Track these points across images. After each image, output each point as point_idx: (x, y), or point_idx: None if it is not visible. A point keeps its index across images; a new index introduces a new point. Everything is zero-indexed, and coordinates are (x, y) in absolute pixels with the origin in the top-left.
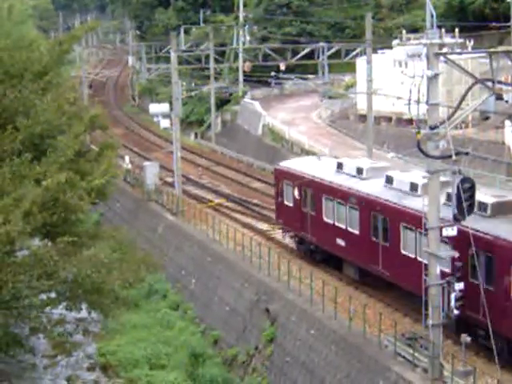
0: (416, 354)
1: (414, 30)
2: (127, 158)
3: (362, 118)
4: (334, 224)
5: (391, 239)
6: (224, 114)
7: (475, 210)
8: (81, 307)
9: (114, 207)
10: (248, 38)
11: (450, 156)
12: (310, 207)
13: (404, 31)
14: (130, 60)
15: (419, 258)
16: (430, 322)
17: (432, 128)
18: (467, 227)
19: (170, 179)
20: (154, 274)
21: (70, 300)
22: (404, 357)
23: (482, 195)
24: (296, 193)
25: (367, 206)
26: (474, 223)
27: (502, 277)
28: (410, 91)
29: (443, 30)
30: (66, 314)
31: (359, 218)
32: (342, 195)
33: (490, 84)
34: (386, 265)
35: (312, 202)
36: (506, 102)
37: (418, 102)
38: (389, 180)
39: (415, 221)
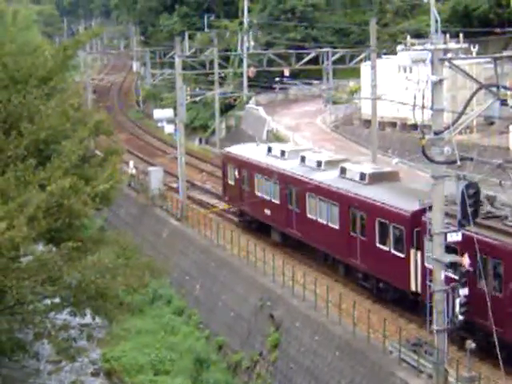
0: (421, 360)
1: (419, 35)
2: (131, 164)
3: (367, 123)
4: (263, 197)
5: (300, 207)
6: (228, 120)
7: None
8: (85, 313)
9: (119, 212)
10: (252, 43)
11: (455, 161)
12: (246, 185)
13: (408, 36)
14: (135, 65)
15: (320, 220)
16: (435, 327)
17: (436, 133)
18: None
19: (174, 184)
20: (158, 280)
21: (74, 305)
22: (409, 363)
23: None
24: (236, 173)
25: (284, 180)
26: (355, 189)
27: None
28: (415, 96)
29: (448, 35)
30: (71, 320)
31: (279, 191)
32: (268, 173)
33: (494, 89)
34: (299, 228)
35: (248, 180)
36: (511, 107)
37: (423, 107)
38: (303, 159)
39: (317, 191)
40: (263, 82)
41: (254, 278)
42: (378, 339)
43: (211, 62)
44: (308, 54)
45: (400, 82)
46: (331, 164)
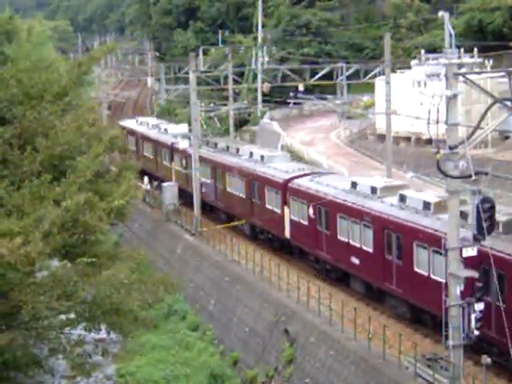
0: (436, 376)
1: (433, 49)
2: (146, 179)
3: (381, 138)
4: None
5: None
6: (243, 135)
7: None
8: (100, 328)
9: (133, 228)
10: (267, 58)
11: (470, 176)
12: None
13: (423, 51)
14: (149, 81)
15: (253, 199)
16: (451, 342)
17: (451, 148)
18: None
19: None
20: (172, 295)
21: (89, 321)
22: (424, 378)
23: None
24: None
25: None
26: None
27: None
28: (429, 111)
29: (462, 49)
30: (85, 335)
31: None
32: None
33: (509, 103)
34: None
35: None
36: None
37: (437, 121)
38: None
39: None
40: (277, 97)
41: (268, 293)
42: (394, 354)
43: (225, 78)
44: (322, 69)
45: (414, 96)
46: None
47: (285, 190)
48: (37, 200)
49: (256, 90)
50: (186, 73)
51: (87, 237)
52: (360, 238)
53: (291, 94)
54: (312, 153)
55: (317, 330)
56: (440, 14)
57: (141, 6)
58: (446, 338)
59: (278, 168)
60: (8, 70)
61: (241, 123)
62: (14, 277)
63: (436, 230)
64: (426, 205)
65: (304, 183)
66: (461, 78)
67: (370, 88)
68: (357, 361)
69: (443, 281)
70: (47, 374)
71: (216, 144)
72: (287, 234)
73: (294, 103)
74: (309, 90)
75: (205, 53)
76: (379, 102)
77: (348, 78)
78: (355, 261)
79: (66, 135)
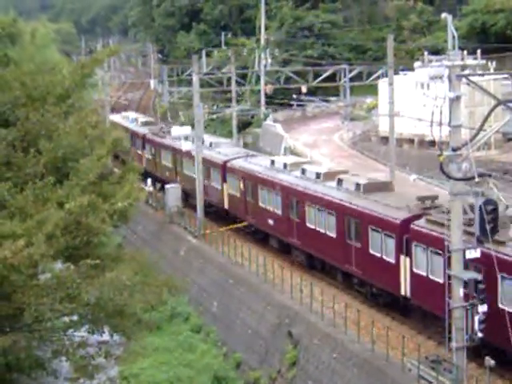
0: (440, 378)
1: (436, 51)
2: (149, 181)
3: (384, 139)
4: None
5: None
6: (246, 137)
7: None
8: (103, 330)
9: (137, 230)
10: (270, 60)
11: (473, 178)
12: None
13: (426, 53)
14: (152, 83)
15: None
16: (454, 344)
17: (454, 150)
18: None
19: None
20: (176, 297)
21: (92, 323)
22: (427, 380)
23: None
24: None
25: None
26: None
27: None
28: (433, 113)
29: (465, 51)
30: (89, 337)
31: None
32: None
33: None
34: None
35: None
36: None
37: (441, 123)
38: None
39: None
40: (280, 99)
41: (271, 295)
42: (397, 356)
43: (228, 80)
44: (325, 70)
45: (417, 98)
46: None
47: (224, 169)
48: (40, 202)
49: (259, 91)
50: (189, 75)
51: (90, 239)
52: (274, 204)
53: (294, 96)
54: (315, 155)
55: (320, 332)
56: (443, 15)
57: (144, 9)
58: (449, 340)
59: (222, 152)
60: (11, 72)
61: (244, 125)
62: (17, 279)
63: (322, 194)
64: (318, 175)
65: (238, 163)
66: (464, 80)
67: (373, 90)
68: (360, 363)
69: (322, 230)
70: (50, 376)
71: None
72: (226, 205)
73: (297, 105)
74: (312, 92)
75: (208, 55)
76: (382, 103)
77: (351, 79)
78: (271, 222)
79: (69, 137)
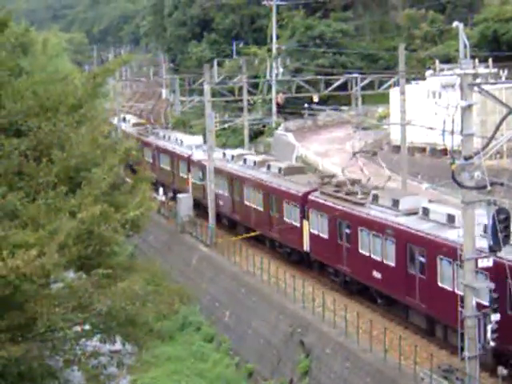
0: None
1: (448, 60)
2: (161, 191)
3: (396, 148)
4: None
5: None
6: (257, 146)
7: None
8: (115, 339)
9: (148, 239)
10: (281, 69)
11: (485, 186)
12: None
13: (437, 62)
14: (164, 92)
15: (174, 171)
16: (466, 354)
17: (466, 158)
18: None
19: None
20: (188, 306)
21: (104, 332)
22: None
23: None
24: None
25: None
26: None
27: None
28: (444, 122)
29: (477, 60)
30: (101, 346)
31: None
32: None
33: None
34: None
35: None
36: None
37: (452, 132)
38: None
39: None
40: (292, 108)
41: (283, 304)
42: (409, 366)
43: (240, 89)
44: (337, 79)
45: (429, 107)
46: None
47: (189, 161)
48: (52, 212)
49: (270, 101)
50: (201, 84)
51: (102, 248)
52: (222, 187)
53: (306, 105)
54: (327, 163)
55: (332, 342)
56: (454, 24)
57: (155, 18)
58: (462, 349)
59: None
60: (23, 82)
61: (255, 134)
62: (30, 288)
63: (255, 177)
64: (255, 163)
65: (198, 155)
66: (476, 89)
67: (384, 99)
68: (372, 372)
69: (254, 206)
70: None
71: (159, 133)
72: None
73: (309, 114)
74: (323, 101)
75: (219, 64)
76: (394, 112)
77: (363, 88)
78: (221, 203)
79: (81, 147)
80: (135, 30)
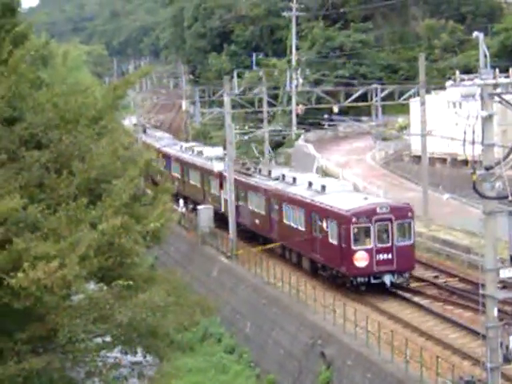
0: None
1: (468, 70)
2: (181, 202)
3: (417, 159)
4: None
5: None
6: (278, 157)
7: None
8: (136, 351)
9: (169, 251)
10: (301, 80)
11: (507, 197)
12: None
13: (457, 72)
14: (184, 104)
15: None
16: (488, 364)
17: (487, 169)
18: None
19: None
20: (208, 318)
21: (125, 343)
22: None
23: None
24: None
25: None
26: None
27: None
28: (465, 132)
29: (497, 69)
30: (121, 358)
31: None
32: None
33: None
34: None
35: None
36: None
37: (473, 142)
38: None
39: None
40: (312, 119)
41: (304, 315)
42: (431, 377)
43: (260, 100)
44: (357, 90)
45: (450, 117)
46: None
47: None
48: (73, 223)
49: (290, 112)
50: (221, 96)
51: (123, 260)
52: (176, 171)
53: (326, 116)
54: (348, 174)
55: (353, 353)
56: (475, 34)
57: (175, 30)
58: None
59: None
60: (44, 94)
61: (276, 146)
62: (51, 300)
63: (196, 162)
64: (199, 152)
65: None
66: (496, 99)
67: (405, 109)
68: (394, 383)
69: (194, 183)
70: None
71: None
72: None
73: (329, 125)
74: (343, 112)
75: (239, 76)
76: (414, 123)
77: (383, 99)
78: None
79: (101, 159)
80: (155, 42)
